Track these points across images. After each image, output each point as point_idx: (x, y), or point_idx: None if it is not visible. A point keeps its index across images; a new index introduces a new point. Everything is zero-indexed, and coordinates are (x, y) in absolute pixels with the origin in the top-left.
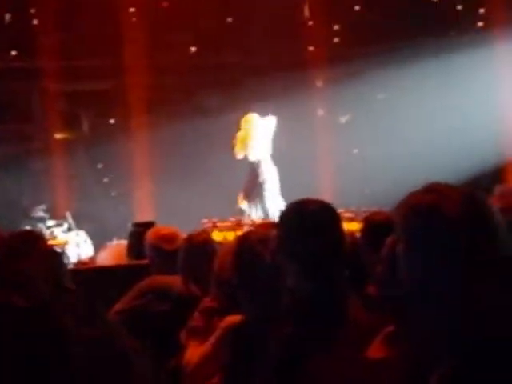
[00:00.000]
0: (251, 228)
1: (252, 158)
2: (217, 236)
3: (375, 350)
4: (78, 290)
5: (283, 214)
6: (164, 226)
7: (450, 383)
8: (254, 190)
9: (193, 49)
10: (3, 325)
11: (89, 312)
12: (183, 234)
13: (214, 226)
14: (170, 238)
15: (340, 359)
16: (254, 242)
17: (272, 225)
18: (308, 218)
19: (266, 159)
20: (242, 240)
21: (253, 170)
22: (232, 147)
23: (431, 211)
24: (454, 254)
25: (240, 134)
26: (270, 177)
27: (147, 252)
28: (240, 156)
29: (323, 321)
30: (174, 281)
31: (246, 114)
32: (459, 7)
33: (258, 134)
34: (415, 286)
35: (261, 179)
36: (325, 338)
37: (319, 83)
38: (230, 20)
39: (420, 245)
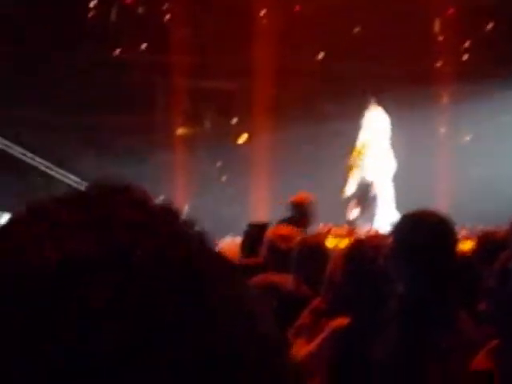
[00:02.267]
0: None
1: (366, 172)
2: (330, 242)
3: (479, 362)
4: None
5: (403, 220)
6: (283, 226)
7: None
8: (365, 203)
9: (320, 55)
10: (158, 270)
11: (228, 264)
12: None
13: (329, 232)
14: (287, 237)
15: (446, 366)
16: (366, 247)
17: (385, 237)
18: (427, 226)
19: (380, 176)
20: (356, 245)
21: (367, 184)
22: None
23: None
24: None
25: (350, 167)
26: (384, 191)
27: (264, 250)
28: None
29: (430, 327)
30: (286, 279)
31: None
32: None
33: (373, 159)
34: None
35: (373, 193)
36: (430, 344)
37: (444, 100)
38: (357, 29)
39: None
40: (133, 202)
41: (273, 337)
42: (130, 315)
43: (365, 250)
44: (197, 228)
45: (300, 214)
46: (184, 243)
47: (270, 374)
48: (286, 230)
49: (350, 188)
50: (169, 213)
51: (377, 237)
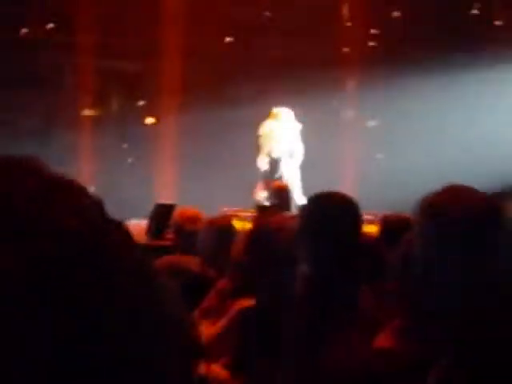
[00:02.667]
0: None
1: (274, 154)
2: (237, 224)
3: (382, 340)
4: (121, 223)
5: (310, 200)
6: (189, 208)
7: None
8: (273, 183)
9: (228, 39)
10: (62, 241)
11: (131, 239)
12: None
13: (235, 215)
14: (193, 218)
15: (350, 342)
16: (269, 228)
17: (289, 218)
18: (333, 204)
19: (286, 157)
20: (258, 226)
21: (274, 164)
22: (257, 139)
23: (440, 209)
24: (453, 249)
25: (264, 129)
26: (291, 174)
27: (171, 231)
28: (262, 162)
29: (334, 305)
30: (191, 261)
31: (274, 108)
32: (497, 22)
33: (284, 130)
34: (423, 276)
35: (279, 175)
36: (338, 320)
37: (351, 85)
38: (267, 14)
39: (431, 239)
40: (29, 171)
41: (178, 317)
42: (33, 289)
43: (268, 230)
44: (95, 199)
45: (281, 200)
46: (82, 212)
47: (173, 356)
48: (192, 211)
49: (261, 164)
50: (66, 182)
51: (281, 217)
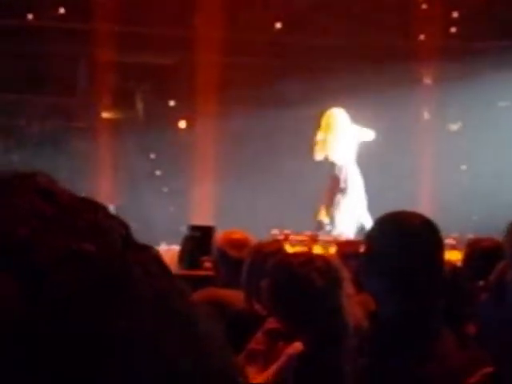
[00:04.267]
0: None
1: (335, 160)
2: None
3: None
4: (150, 248)
5: (377, 225)
6: (234, 230)
7: None
8: (334, 198)
9: (278, 25)
10: (72, 271)
11: (161, 269)
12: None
13: (286, 239)
14: (240, 243)
15: None
16: (294, 264)
17: (356, 243)
18: (406, 231)
19: (351, 164)
20: (280, 266)
21: (334, 175)
22: (312, 146)
23: None
24: None
25: (321, 132)
26: (355, 185)
27: (212, 258)
28: (320, 157)
29: (407, 352)
30: (236, 296)
31: (332, 107)
32: None
33: (344, 134)
34: None
35: (343, 186)
36: (414, 372)
37: (428, 80)
38: None
39: None
40: (37, 190)
41: (225, 366)
42: (37, 321)
43: (293, 268)
44: (119, 222)
45: None
46: (100, 239)
47: None
48: (239, 234)
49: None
50: (83, 203)
51: (347, 246)
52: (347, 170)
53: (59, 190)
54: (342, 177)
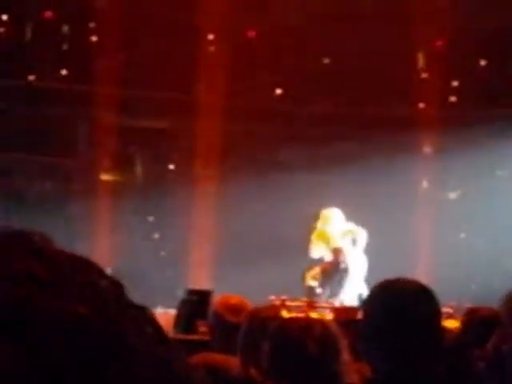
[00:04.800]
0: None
1: (335, 244)
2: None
3: None
4: (145, 309)
5: (372, 292)
6: (233, 295)
7: None
8: (333, 273)
9: (278, 91)
10: (66, 335)
11: (156, 331)
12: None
13: (283, 305)
14: (237, 308)
15: None
16: (293, 330)
17: (353, 310)
18: (401, 298)
19: (350, 248)
20: (279, 329)
21: (336, 254)
22: (310, 215)
23: None
24: None
25: (318, 231)
26: (356, 261)
27: (210, 323)
28: (316, 255)
29: None
30: (232, 361)
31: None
32: None
33: (338, 230)
34: None
35: (344, 265)
36: None
37: (427, 149)
38: (326, 61)
39: None
40: (33, 251)
41: None
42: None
43: (291, 332)
44: (114, 282)
45: None
46: (95, 301)
47: None
48: (237, 299)
49: (316, 252)
50: (78, 264)
51: (344, 312)
52: (346, 254)
53: (55, 250)
54: (342, 258)
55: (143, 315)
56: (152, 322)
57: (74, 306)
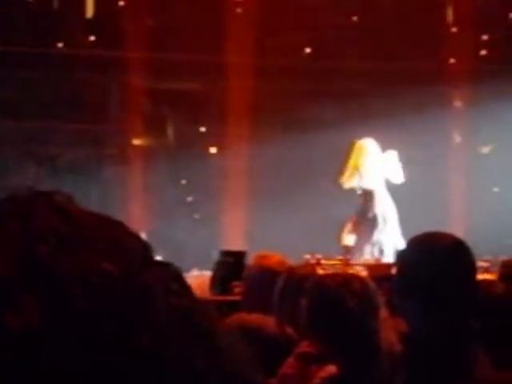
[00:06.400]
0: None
1: (365, 186)
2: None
3: None
4: (171, 266)
5: (409, 246)
6: (269, 254)
7: None
8: (364, 224)
9: (307, 50)
10: (91, 289)
11: (182, 288)
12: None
13: (318, 264)
14: (273, 267)
15: None
16: (331, 286)
17: (387, 266)
18: (438, 252)
19: (381, 190)
20: (317, 286)
21: (365, 201)
22: (341, 174)
23: None
24: None
25: (350, 162)
26: (386, 211)
27: (245, 284)
28: (348, 186)
29: (442, 375)
30: (268, 320)
31: (362, 134)
32: None
33: (373, 163)
34: None
35: (373, 213)
36: None
37: (458, 103)
38: (354, 18)
39: None
40: (54, 209)
41: (249, 380)
42: (62, 342)
43: (330, 288)
44: (138, 239)
45: None
46: (119, 257)
47: None
48: (276, 258)
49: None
50: (101, 221)
51: (377, 269)
52: (377, 196)
53: (76, 208)
54: (372, 203)
55: (169, 272)
56: (178, 278)
57: (98, 261)
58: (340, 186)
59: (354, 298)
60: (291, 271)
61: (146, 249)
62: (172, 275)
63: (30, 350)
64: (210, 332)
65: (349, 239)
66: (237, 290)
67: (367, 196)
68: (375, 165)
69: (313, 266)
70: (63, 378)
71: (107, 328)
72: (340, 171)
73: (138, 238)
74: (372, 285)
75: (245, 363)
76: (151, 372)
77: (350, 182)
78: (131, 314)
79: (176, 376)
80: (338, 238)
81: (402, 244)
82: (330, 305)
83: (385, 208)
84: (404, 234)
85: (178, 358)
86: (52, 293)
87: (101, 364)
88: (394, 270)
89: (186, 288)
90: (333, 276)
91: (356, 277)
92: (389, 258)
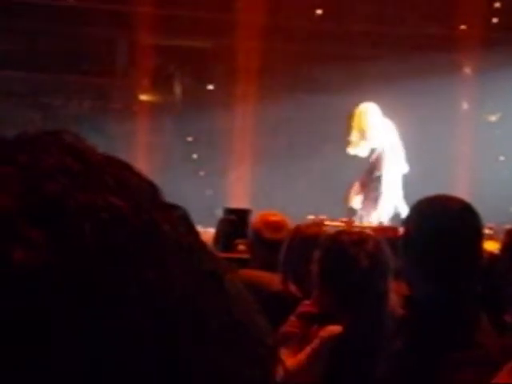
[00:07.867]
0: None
1: (372, 146)
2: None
3: (505, 378)
4: (179, 208)
5: (415, 209)
6: (273, 212)
7: None
8: (370, 185)
9: (318, 12)
10: (101, 224)
11: (187, 227)
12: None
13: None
14: (278, 225)
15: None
16: (345, 244)
17: (392, 229)
18: (445, 215)
19: (388, 151)
20: (332, 241)
21: (372, 162)
22: (347, 141)
23: None
24: None
25: (355, 127)
26: (392, 171)
27: (249, 241)
28: (355, 152)
29: (443, 338)
30: (271, 277)
31: (369, 97)
32: None
33: (377, 125)
34: None
35: (379, 173)
36: (449, 357)
37: (467, 70)
38: None
39: None
40: (63, 147)
41: (253, 324)
42: (70, 278)
43: (344, 245)
44: (147, 181)
45: None
46: (128, 195)
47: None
48: (277, 216)
49: (355, 172)
50: (110, 161)
51: (381, 231)
52: (384, 156)
53: (86, 147)
54: (378, 163)
55: (176, 213)
56: (184, 219)
57: (108, 197)
58: (348, 153)
59: (367, 258)
60: (298, 230)
61: (154, 189)
62: (180, 216)
63: (36, 285)
64: (218, 275)
65: (355, 201)
66: (240, 247)
67: (374, 156)
68: (379, 127)
69: (319, 226)
70: (69, 314)
71: (115, 263)
72: (346, 137)
73: (146, 178)
74: (385, 246)
75: (252, 313)
76: (156, 305)
77: (356, 147)
78: (139, 249)
79: (179, 312)
80: (345, 199)
81: (404, 208)
82: (343, 261)
83: (391, 169)
84: (408, 199)
85: (183, 294)
86: (60, 227)
87: (108, 298)
88: (399, 233)
89: (193, 229)
90: (349, 234)
91: (371, 237)
92: (393, 221)
